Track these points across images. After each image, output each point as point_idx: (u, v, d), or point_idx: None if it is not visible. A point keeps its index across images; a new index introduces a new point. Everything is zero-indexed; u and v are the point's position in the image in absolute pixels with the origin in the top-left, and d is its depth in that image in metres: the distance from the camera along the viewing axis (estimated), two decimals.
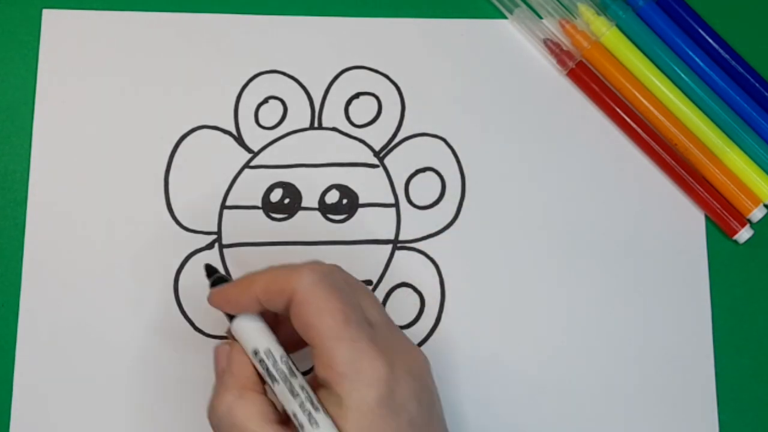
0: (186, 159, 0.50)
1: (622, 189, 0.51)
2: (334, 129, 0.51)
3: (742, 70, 0.51)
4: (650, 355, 0.50)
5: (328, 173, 0.51)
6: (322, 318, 0.38)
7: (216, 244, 0.50)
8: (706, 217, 0.51)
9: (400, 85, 0.52)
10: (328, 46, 0.52)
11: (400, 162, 0.51)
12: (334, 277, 0.39)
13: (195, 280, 0.49)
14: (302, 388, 0.39)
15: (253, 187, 0.50)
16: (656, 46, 0.51)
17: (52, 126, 0.50)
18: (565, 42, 0.52)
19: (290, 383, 0.39)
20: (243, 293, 0.40)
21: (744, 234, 0.50)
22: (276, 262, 0.49)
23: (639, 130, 0.51)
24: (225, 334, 0.44)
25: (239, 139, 0.51)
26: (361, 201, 0.50)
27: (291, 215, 0.50)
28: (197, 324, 0.49)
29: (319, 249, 0.50)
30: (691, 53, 0.51)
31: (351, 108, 0.51)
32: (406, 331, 0.49)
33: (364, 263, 0.50)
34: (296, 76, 0.52)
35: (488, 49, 0.52)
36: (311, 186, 0.50)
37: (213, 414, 0.40)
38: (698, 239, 0.51)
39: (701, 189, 0.51)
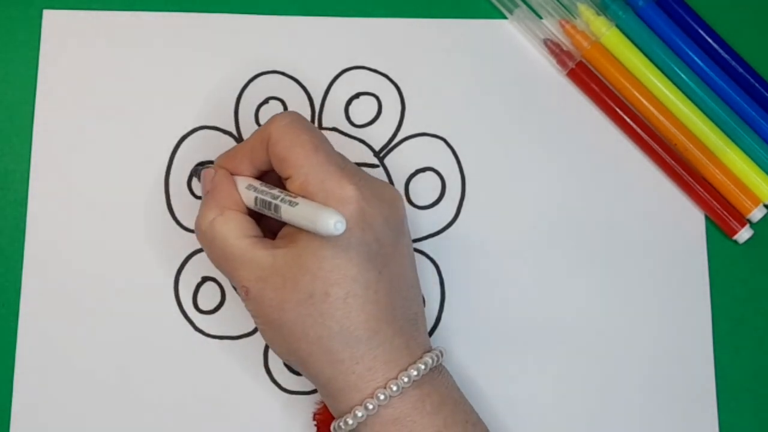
0: (186, 159, 0.50)
1: (622, 189, 0.51)
2: (334, 129, 0.51)
3: (741, 70, 0.51)
4: (650, 355, 0.50)
5: None
6: (293, 150, 0.42)
7: None
8: (706, 217, 0.51)
9: (400, 85, 0.52)
10: (328, 46, 0.52)
11: (400, 162, 0.51)
12: (303, 120, 0.44)
13: (195, 280, 0.49)
14: (282, 193, 0.42)
15: None
16: (656, 46, 0.51)
17: (52, 126, 0.50)
18: (565, 42, 0.52)
19: (272, 194, 0.42)
20: (236, 156, 0.45)
21: (744, 234, 0.50)
22: None
23: (639, 130, 0.51)
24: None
25: (239, 140, 0.51)
26: None
27: None
28: (197, 324, 0.49)
29: None
30: (691, 53, 0.51)
31: (351, 108, 0.51)
32: None
33: None
34: (296, 76, 0.51)
35: (488, 49, 0.52)
36: None
37: (197, 230, 0.44)
38: (698, 239, 0.51)
39: (701, 189, 0.51)
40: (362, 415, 0.41)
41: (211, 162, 0.47)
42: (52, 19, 0.51)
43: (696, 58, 0.51)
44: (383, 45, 0.52)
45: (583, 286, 0.50)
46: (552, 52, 0.51)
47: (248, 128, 0.51)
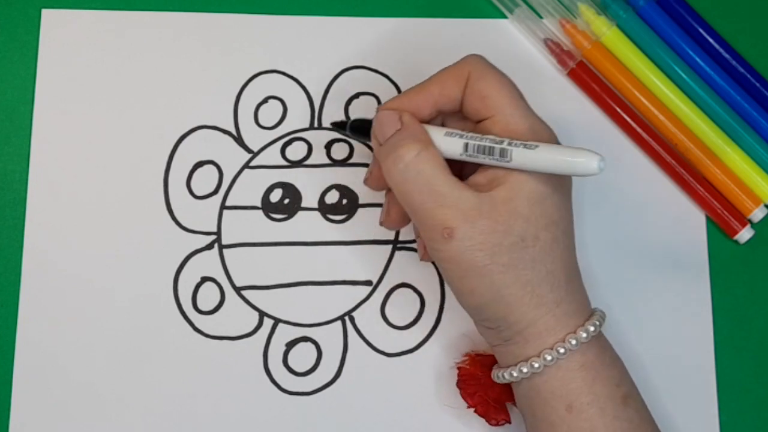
0: (185, 159, 0.50)
1: (623, 189, 0.51)
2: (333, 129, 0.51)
3: (742, 70, 0.51)
4: (651, 355, 0.49)
5: (327, 173, 0.51)
6: (501, 90, 0.42)
7: (215, 245, 0.50)
8: (707, 217, 0.51)
9: (400, 85, 0.52)
10: (328, 46, 0.52)
11: None
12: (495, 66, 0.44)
13: (194, 280, 0.49)
14: (505, 137, 0.41)
15: (252, 187, 0.50)
16: (657, 46, 0.51)
17: (51, 126, 0.50)
18: (566, 42, 0.52)
19: (491, 139, 0.41)
20: (418, 95, 0.43)
21: (745, 234, 0.50)
22: (276, 262, 0.50)
23: (639, 130, 0.51)
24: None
25: (239, 139, 0.51)
26: (361, 201, 0.50)
27: (291, 215, 0.50)
28: (196, 324, 0.49)
29: (319, 249, 0.50)
30: (691, 53, 0.51)
31: (351, 108, 0.51)
32: (405, 332, 0.49)
33: (364, 263, 0.50)
34: (296, 76, 0.51)
35: (488, 49, 0.52)
36: (311, 186, 0.50)
37: (399, 163, 0.41)
38: (699, 239, 0.51)
39: (702, 189, 0.50)
40: (552, 359, 0.41)
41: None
42: (50, 19, 0.51)
43: (697, 58, 0.51)
44: (383, 45, 0.52)
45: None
46: (552, 52, 0.51)
47: (248, 128, 0.51)
